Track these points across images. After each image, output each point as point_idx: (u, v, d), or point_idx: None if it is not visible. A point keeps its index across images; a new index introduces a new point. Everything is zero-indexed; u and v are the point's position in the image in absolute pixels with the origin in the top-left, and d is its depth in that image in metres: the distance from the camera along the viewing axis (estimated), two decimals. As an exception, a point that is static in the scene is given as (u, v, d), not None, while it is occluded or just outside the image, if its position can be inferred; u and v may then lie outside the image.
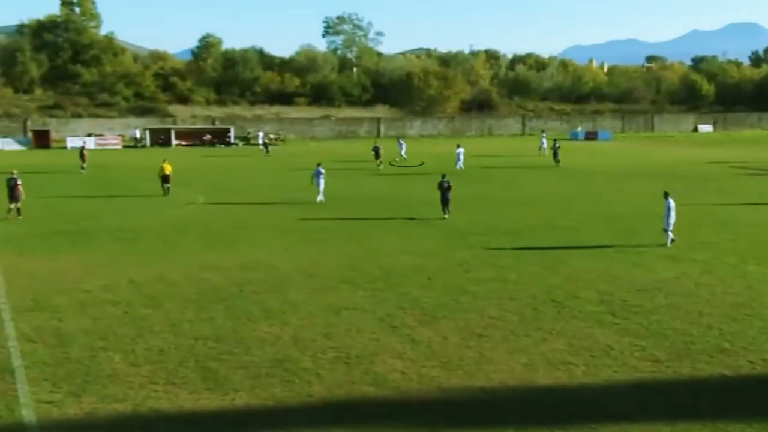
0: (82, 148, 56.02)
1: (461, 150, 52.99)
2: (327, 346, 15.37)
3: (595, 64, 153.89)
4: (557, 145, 57.05)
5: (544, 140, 65.99)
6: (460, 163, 51.84)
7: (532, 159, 60.73)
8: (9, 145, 73.87)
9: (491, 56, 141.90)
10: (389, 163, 55.21)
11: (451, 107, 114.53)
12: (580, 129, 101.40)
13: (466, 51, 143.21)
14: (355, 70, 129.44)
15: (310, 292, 19.56)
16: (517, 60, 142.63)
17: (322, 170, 36.75)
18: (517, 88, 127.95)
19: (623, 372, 14.01)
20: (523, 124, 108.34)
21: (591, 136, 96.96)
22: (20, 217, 31.34)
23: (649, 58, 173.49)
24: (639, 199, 37.01)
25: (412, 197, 37.86)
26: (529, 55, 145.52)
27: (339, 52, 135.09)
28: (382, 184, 44.85)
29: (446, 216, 31.23)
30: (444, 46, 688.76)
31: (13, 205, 31.64)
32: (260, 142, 74.15)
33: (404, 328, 16.55)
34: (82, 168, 51.99)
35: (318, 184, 36.34)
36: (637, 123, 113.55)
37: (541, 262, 22.84)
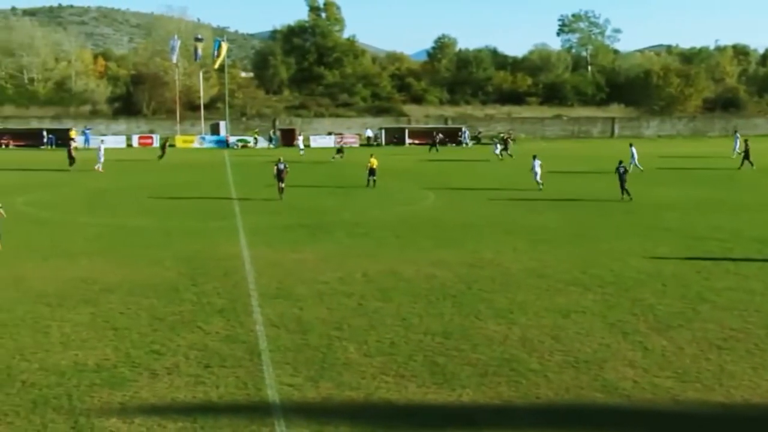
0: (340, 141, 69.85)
1: (634, 149, 50.00)
2: (555, 348, 15.18)
3: None
4: (748, 145, 51.56)
5: (738, 140, 58.84)
6: (635, 161, 49.04)
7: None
8: (262, 142, 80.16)
9: (739, 51, 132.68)
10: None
11: (692, 106, 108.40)
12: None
13: (711, 46, 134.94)
14: (589, 68, 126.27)
15: (539, 292, 19.39)
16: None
17: (539, 161, 40.97)
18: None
19: None
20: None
21: None
22: (282, 197, 36.54)
23: None
24: None
25: (644, 198, 36.41)
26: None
27: (573, 50, 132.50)
28: (607, 184, 43.36)
29: (624, 197, 35.68)
30: (686, 42, 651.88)
31: (282, 185, 36.98)
32: (466, 140, 76.16)
33: (636, 335, 15.96)
34: (334, 158, 60.31)
35: (536, 175, 40.49)
36: None
37: (793, 273, 21.07)
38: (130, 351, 15.00)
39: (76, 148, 58.35)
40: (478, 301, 18.58)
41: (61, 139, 77.31)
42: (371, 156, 44.34)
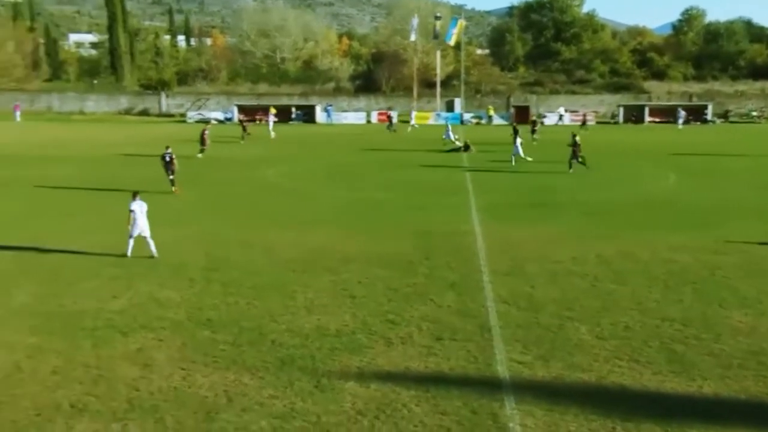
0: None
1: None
2: (809, 345, 13.99)
3: None
4: None
5: None
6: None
7: None
8: (497, 119, 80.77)
9: None
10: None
11: None
12: None
13: None
14: None
15: (792, 284, 17.93)
16: None
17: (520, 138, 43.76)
18: None
19: None
20: None
21: None
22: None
23: None
24: None
25: None
26: None
27: None
28: None
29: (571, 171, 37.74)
30: None
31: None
32: (679, 120, 73.78)
33: None
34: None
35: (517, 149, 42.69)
36: None
37: None
38: (367, 319, 15.71)
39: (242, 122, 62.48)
40: (722, 289, 17.53)
41: (308, 114, 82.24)
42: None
